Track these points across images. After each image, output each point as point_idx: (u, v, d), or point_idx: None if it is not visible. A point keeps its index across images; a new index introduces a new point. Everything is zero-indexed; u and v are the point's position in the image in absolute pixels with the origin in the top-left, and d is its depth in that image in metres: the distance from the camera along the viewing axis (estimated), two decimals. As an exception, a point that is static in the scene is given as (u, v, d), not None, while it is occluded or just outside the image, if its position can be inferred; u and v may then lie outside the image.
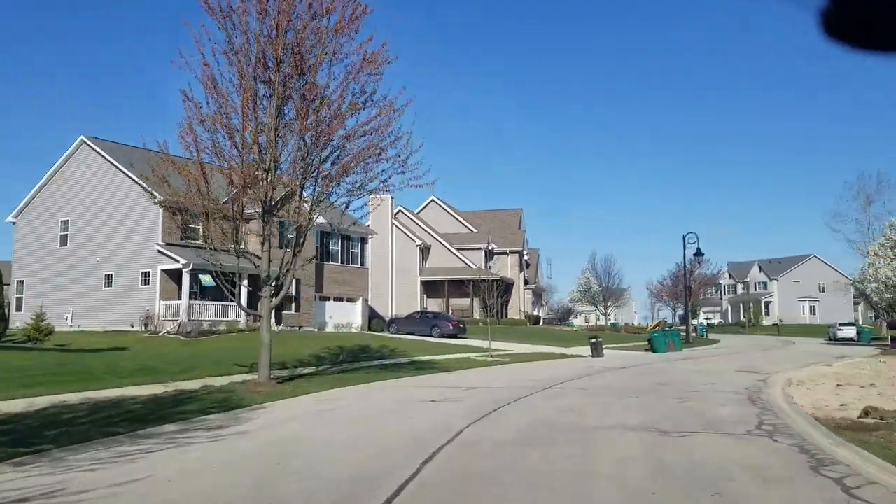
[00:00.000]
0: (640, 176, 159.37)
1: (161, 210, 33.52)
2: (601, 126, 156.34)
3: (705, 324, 70.15)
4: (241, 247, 16.81)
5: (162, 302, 34.42)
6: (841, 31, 1.79)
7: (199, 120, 15.13)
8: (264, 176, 15.48)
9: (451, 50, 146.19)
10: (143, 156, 19.32)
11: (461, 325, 41.18)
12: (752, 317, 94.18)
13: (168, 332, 32.44)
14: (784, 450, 8.47)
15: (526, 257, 65.15)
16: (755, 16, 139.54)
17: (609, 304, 65.56)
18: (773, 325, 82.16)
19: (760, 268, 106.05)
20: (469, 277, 55.77)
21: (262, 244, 16.37)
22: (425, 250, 57.70)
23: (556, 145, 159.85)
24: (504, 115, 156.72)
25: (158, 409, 12.22)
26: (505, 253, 60.67)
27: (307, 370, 21.19)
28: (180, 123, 15.31)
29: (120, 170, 36.15)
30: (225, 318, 34.77)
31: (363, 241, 45.93)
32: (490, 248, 59.80)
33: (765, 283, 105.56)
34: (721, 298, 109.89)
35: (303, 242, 16.99)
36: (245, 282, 26.93)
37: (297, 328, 38.33)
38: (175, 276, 34.46)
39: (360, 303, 45.04)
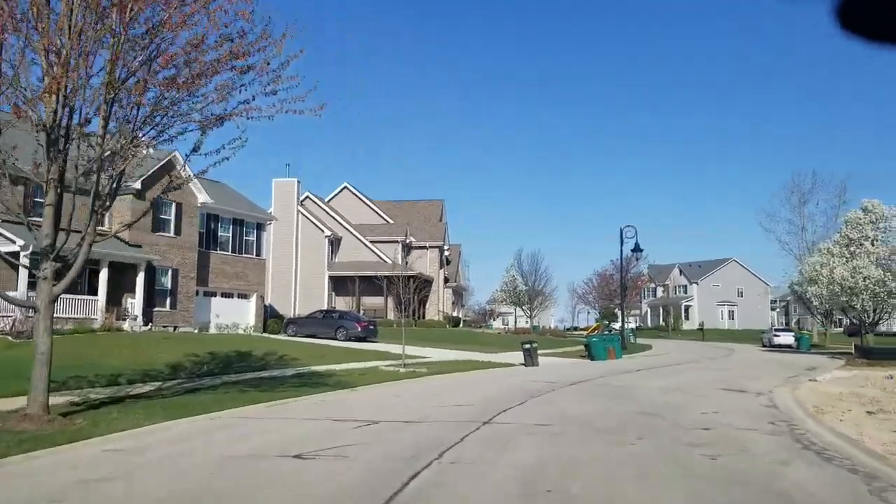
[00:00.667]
0: (565, 176, 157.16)
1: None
2: (528, 123, 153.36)
3: (633, 328, 66.73)
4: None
5: (-8, 293, 27.21)
6: (856, 24, 1.74)
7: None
8: (50, 68, 9.38)
9: (384, 34, 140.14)
10: None
11: (372, 327, 35.47)
12: (672, 321, 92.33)
13: (-3, 332, 25.39)
14: None
15: (447, 253, 59.94)
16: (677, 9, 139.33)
17: (536, 305, 60.79)
18: (699, 329, 79.85)
19: (681, 271, 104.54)
20: (383, 273, 50.17)
21: (45, 194, 10.27)
22: (335, 242, 51.64)
23: (481, 140, 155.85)
24: (434, 103, 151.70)
25: None
26: (424, 247, 55.21)
27: (147, 387, 15.15)
28: None
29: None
30: (75, 316, 27.87)
31: (260, 227, 39.52)
32: (408, 241, 54.26)
33: (685, 287, 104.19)
34: (641, 301, 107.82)
35: (112, 192, 10.79)
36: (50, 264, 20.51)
37: (173, 328, 31.71)
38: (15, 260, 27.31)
39: (254, 300, 38.67)
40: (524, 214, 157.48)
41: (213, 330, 34.29)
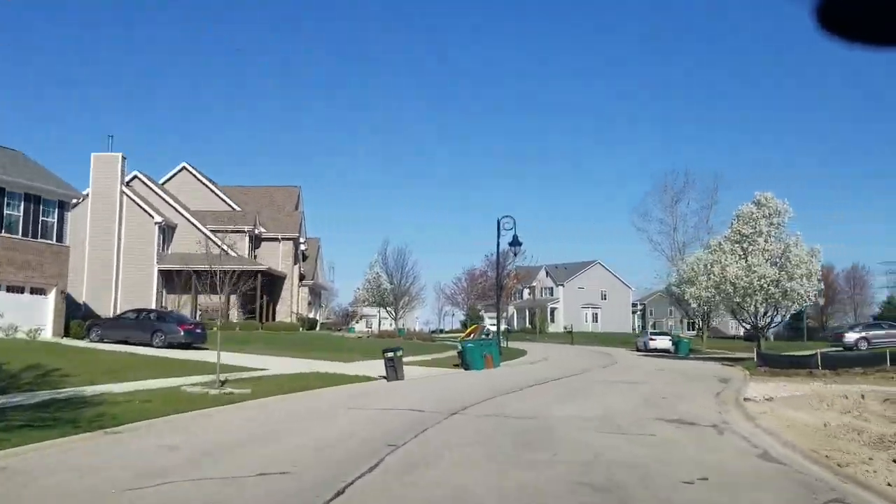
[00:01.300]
0: (427, 169, 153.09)
1: None
2: (384, 122, 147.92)
3: (502, 330, 63.06)
4: None
5: None
6: (838, 24, 1.71)
7: None
8: None
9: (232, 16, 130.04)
10: None
11: (199, 330, 28.93)
12: (539, 323, 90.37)
13: None
14: None
15: (303, 247, 53.50)
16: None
17: (402, 305, 55.29)
18: (566, 332, 77.66)
19: (548, 273, 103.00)
20: (226, 267, 43.19)
21: None
22: (168, 230, 44.07)
23: (344, 125, 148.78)
24: (297, 79, 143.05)
25: None
26: (276, 239, 48.53)
27: None
28: None
29: None
30: None
31: (63, 207, 31.71)
32: (257, 231, 47.44)
33: (551, 290, 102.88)
34: (508, 304, 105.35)
35: None
36: None
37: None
38: None
39: (52, 295, 30.92)
40: (392, 211, 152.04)
41: (-17, 333, 26.47)
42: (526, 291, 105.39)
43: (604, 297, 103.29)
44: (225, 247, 44.71)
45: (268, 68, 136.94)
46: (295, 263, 50.25)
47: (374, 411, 12.97)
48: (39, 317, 30.36)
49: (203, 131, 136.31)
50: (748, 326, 33.85)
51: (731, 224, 33.47)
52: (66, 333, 30.90)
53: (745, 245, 32.42)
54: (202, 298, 43.13)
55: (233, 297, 44.96)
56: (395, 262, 53.10)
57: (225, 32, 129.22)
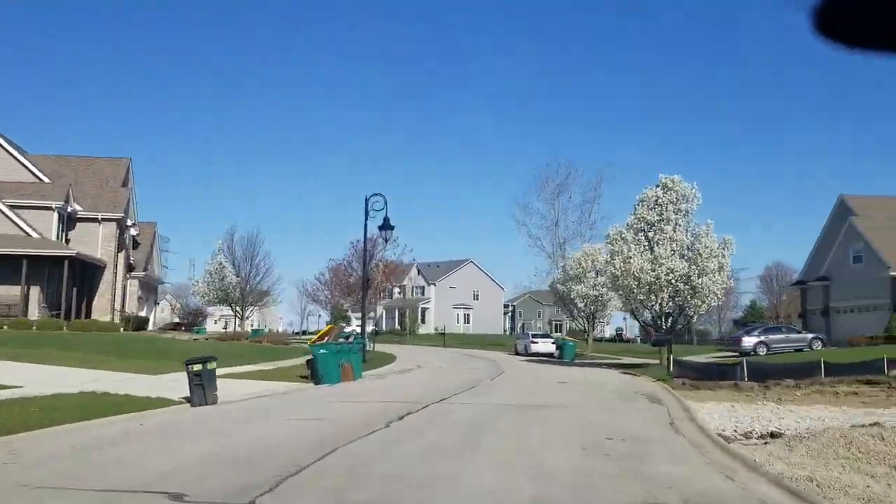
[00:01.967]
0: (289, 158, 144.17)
1: None
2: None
3: (369, 332, 56.74)
4: None
5: None
6: (835, 29, 1.70)
7: None
8: None
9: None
10: None
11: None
12: (409, 324, 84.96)
13: None
14: None
15: (134, 231, 44.95)
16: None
17: (250, 302, 47.30)
18: (438, 333, 72.46)
19: (419, 271, 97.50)
20: (26, 251, 34.70)
21: None
22: (-56, 202, 34.68)
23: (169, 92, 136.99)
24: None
25: None
26: (95, 220, 39.86)
27: None
28: None
29: None
30: None
31: None
32: (70, 209, 38.66)
33: (423, 289, 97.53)
34: (376, 304, 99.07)
35: None
36: None
37: None
38: None
39: None
40: (250, 201, 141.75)
41: None
42: (396, 290, 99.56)
43: (476, 298, 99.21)
44: (28, 228, 36.15)
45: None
46: (120, 250, 41.67)
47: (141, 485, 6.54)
48: None
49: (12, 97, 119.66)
50: (650, 325, 29.45)
51: (634, 210, 28.94)
52: None
53: (650, 234, 28.00)
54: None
55: (35, 289, 36.37)
56: (244, 253, 45.34)
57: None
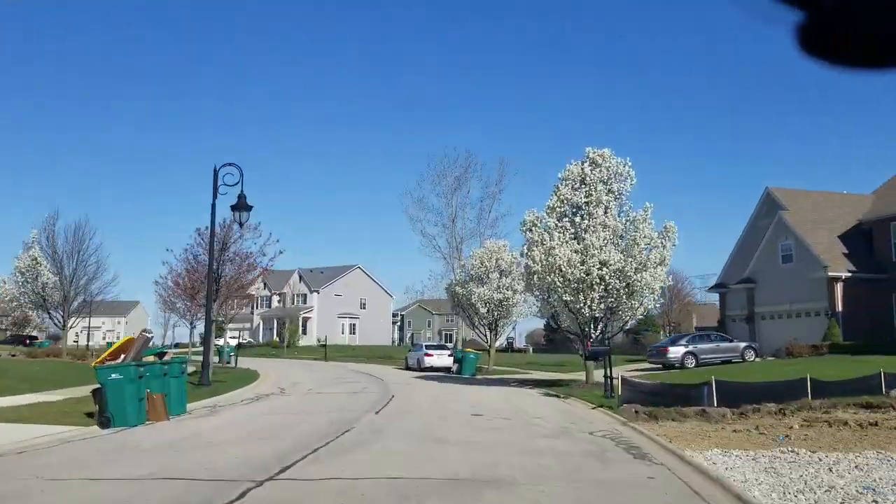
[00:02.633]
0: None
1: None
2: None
3: (233, 345, 48.77)
4: None
5: None
6: (818, 47, 1.66)
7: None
8: None
9: None
10: None
11: None
12: (289, 336, 77.17)
13: None
14: None
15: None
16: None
17: (74, 308, 37.78)
18: (320, 345, 65.14)
19: (301, 277, 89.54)
20: None
21: None
22: None
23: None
24: None
25: None
26: None
27: None
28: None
29: None
30: None
31: None
32: None
33: (305, 296, 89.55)
34: (253, 313, 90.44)
35: None
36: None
37: None
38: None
39: None
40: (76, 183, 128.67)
41: None
42: (276, 299, 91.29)
43: (363, 306, 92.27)
44: None
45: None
46: None
47: None
48: None
49: None
50: (572, 333, 23.75)
51: (556, 190, 23.17)
52: None
53: (576, 220, 22.36)
54: None
55: None
56: (69, 244, 36.09)
57: None
